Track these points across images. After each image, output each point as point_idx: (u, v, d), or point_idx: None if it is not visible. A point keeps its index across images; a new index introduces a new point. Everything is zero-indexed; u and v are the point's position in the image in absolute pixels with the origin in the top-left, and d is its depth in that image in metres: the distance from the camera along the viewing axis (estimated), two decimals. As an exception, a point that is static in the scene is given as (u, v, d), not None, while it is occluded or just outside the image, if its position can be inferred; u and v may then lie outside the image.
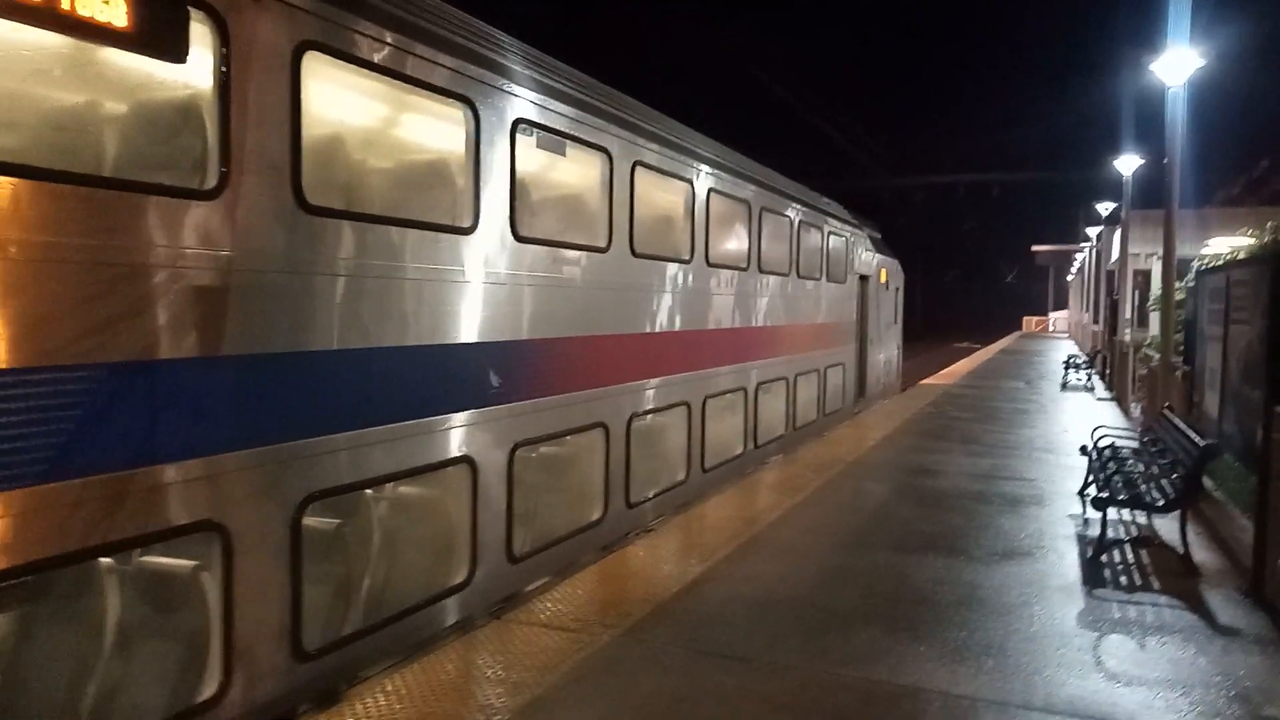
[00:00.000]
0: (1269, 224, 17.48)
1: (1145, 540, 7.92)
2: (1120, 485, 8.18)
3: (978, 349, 46.75)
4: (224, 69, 4.39)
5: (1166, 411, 10.31)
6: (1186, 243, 19.65)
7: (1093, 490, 8.56)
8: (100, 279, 3.86)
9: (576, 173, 8.13)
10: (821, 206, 15.47)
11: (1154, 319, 25.21)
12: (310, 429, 4.96)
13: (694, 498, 9.83)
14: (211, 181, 4.39)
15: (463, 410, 6.18)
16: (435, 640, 5.76)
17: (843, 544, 7.81)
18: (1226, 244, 21.29)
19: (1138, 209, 27.85)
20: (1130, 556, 7.65)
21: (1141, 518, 8.51)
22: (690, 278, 9.87)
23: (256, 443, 4.62)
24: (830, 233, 15.76)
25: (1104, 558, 7.50)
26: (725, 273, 10.96)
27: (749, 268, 11.77)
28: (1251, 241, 15.69)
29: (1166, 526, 8.17)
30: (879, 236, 20.48)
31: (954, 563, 7.31)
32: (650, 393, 9.04)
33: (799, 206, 13.96)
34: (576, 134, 7.59)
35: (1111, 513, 7.75)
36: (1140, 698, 4.93)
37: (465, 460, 6.24)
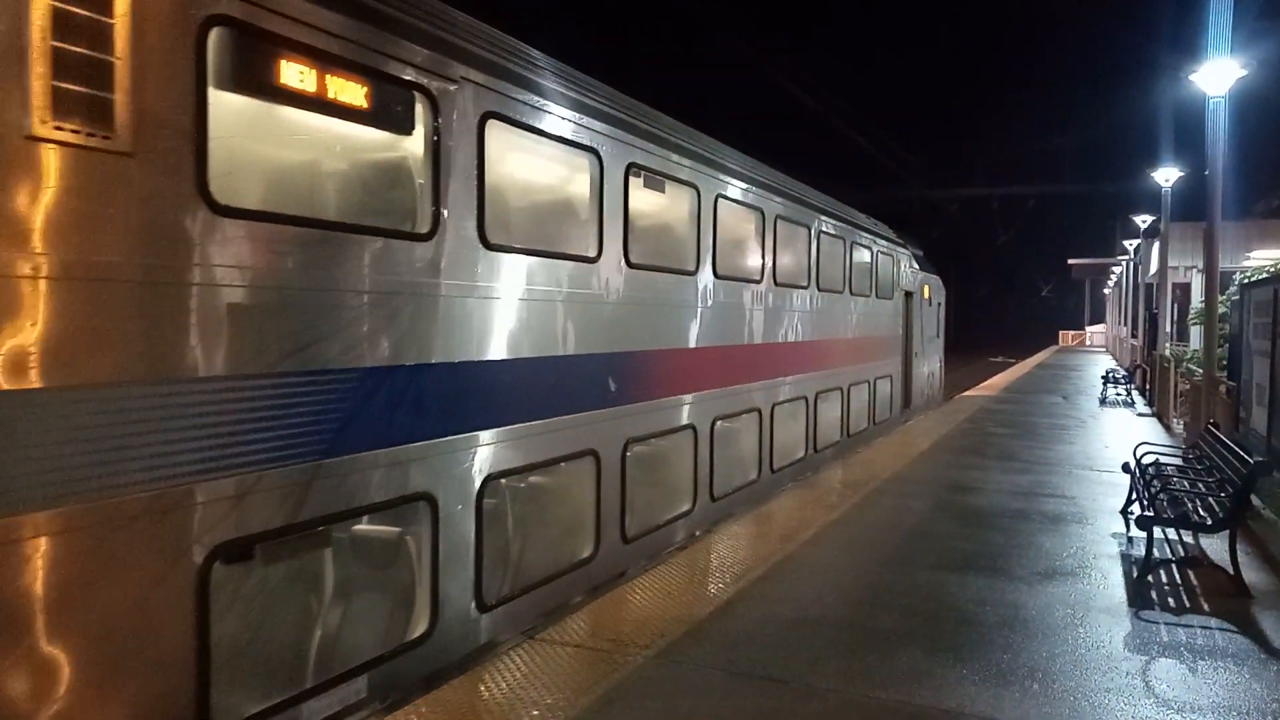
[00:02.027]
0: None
1: (1193, 560, 7.71)
2: (1165, 503, 7.98)
3: (1013, 364, 46.19)
4: (435, 137, 5.59)
5: (1212, 428, 10.08)
6: (1228, 255, 19.36)
7: (1136, 508, 8.37)
8: (355, 305, 5.02)
9: (672, 206, 9.15)
10: (870, 228, 16.44)
11: (1194, 333, 24.79)
12: (487, 422, 6.09)
13: (764, 496, 10.58)
14: (426, 226, 5.56)
15: (590, 410, 7.36)
16: (569, 607, 6.66)
17: (881, 562, 7.68)
18: (1269, 256, 20.94)
19: (1176, 221, 27.45)
20: (1178, 577, 7.45)
21: (1188, 537, 8.29)
22: (761, 297, 11.02)
23: (453, 431, 5.77)
24: (879, 252, 16.78)
25: (1150, 578, 7.31)
26: (790, 291, 12.05)
27: (809, 286, 12.87)
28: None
29: (1214, 546, 7.95)
30: (921, 254, 21.38)
31: (996, 582, 7.16)
32: (729, 400, 10.13)
33: (851, 228, 14.98)
34: (673, 174, 8.78)
35: (1157, 532, 7.55)
36: (1193, 725, 4.78)
37: (592, 453, 7.41)
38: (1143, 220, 36.75)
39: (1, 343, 3.49)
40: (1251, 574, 7.33)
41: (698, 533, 9.02)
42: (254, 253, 4.44)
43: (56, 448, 3.64)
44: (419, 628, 5.53)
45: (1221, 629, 6.24)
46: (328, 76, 4.88)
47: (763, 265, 11.08)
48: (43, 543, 3.61)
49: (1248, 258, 23.82)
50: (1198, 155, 14.93)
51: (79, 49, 3.70)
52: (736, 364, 10.25)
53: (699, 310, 9.34)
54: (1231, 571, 7.18)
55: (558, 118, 6.91)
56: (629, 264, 7.84)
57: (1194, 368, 17.01)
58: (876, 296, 16.72)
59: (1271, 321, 8.78)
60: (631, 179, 7.89)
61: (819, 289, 13.24)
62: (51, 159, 3.63)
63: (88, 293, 3.76)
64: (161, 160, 4.01)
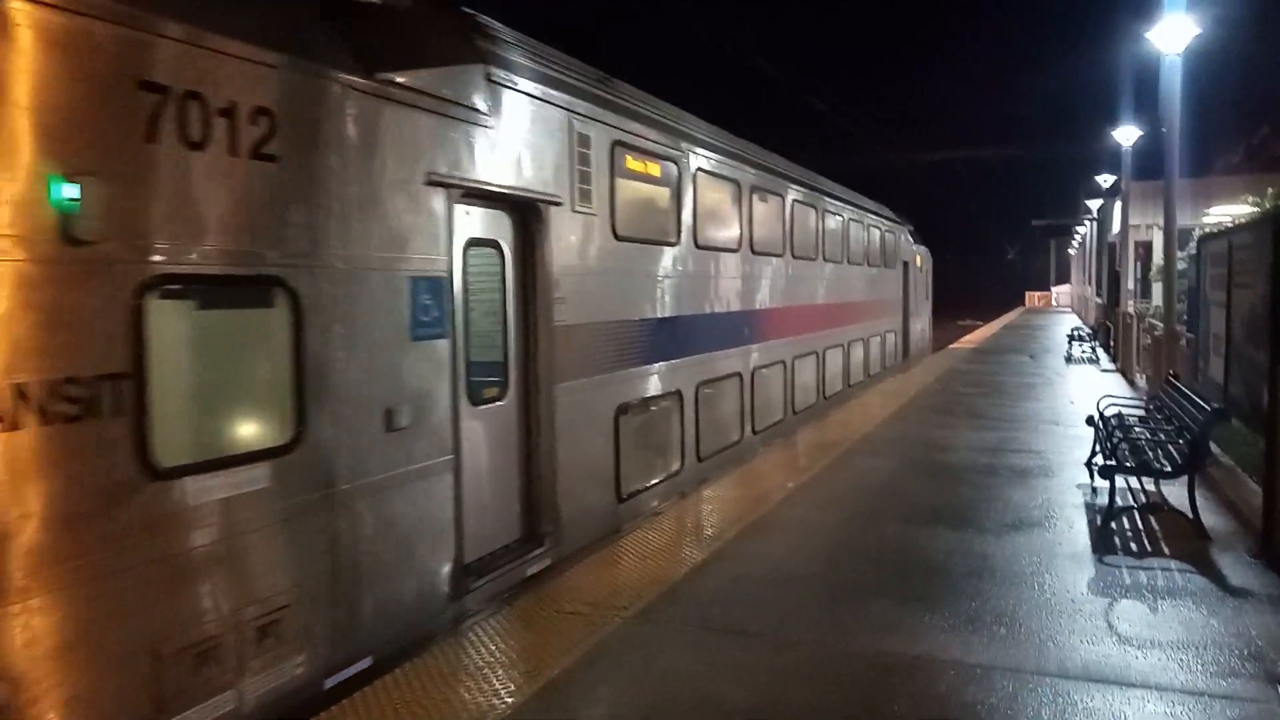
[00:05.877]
0: (1270, 190, 17.33)
1: (1154, 506, 7.90)
2: (1127, 452, 8.17)
3: (980, 326, 46.59)
4: (679, 185, 9.78)
5: (1172, 379, 10.30)
6: (1187, 212, 19.58)
7: (1100, 459, 8.56)
8: (645, 283, 9.04)
9: (776, 213, 13.33)
10: (878, 210, 20.64)
11: (1156, 289, 25.12)
12: (697, 350, 10.14)
13: (819, 415, 14.28)
14: (674, 237, 9.68)
15: (737, 347, 11.44)
16: (723, 475, 9.90)
17: (853, 519, 7.83)
18: (1227, 212, 21.23)
19: (1138, 180, 27.70)
20: (1139, 523, 7.65)
21: (1150, 484, 8.49)
22: (814, 269, 15.20)
23: (683, 355, 9.76)
24: (885, 231, 21.18)
25: (1113, 525, 7.50)
26: (831, 265, 16.29)
27: (843, 261, 17.17)
28: (1252, 209, 15.57)
29: (1175, 493, 8.13)
30: (913, 229, 25.32)
31: (965, 534, 7.33)
32: (802, 344, 14.28)
33: (867, 213, 19.26)
34: (777, 191, 13.22)
35: (1120, 480, 7.74)
36: (1154, 660, 4.95)
37: (738, 375, 11.47)
38: (1104, 180, 37.08)
39: (563, 304, 7.33)
40: (1209, 517, 7.55)
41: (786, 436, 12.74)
42: (627, 258, 8.59)
43: (580, 350, 7.68)
44: (675, 465, 9.68)
45: (1181, 570, 6.44)
46: (644, 161, 9.07)
47: (817, 246, 15.28)
48: (579, 393, 7.60)
49: (1207, 214, 24.07)
50: (1159, 114, 15.08)
51: (583, 168, 7.72)
52: (804, 319, 14.37)
53: (789, 279, 13.57)
54: (1190, 516, 7.38)
55: (721, 162, 11.00)
56: (753, 252, 12.02)
57: (1156, 322, 17.27)
58: (885, 266, 21.14)
59: (1226, 273, 8.95)
60: (754, 198, 12.10)
61: (849, 263, 17.59)
62: (578, 222, 7.67)
63: (585, 280, 7.74)
64: (603, 216, 8.06)
